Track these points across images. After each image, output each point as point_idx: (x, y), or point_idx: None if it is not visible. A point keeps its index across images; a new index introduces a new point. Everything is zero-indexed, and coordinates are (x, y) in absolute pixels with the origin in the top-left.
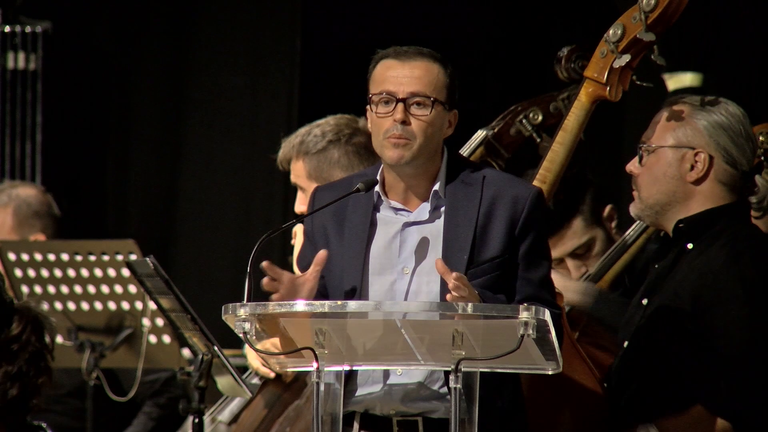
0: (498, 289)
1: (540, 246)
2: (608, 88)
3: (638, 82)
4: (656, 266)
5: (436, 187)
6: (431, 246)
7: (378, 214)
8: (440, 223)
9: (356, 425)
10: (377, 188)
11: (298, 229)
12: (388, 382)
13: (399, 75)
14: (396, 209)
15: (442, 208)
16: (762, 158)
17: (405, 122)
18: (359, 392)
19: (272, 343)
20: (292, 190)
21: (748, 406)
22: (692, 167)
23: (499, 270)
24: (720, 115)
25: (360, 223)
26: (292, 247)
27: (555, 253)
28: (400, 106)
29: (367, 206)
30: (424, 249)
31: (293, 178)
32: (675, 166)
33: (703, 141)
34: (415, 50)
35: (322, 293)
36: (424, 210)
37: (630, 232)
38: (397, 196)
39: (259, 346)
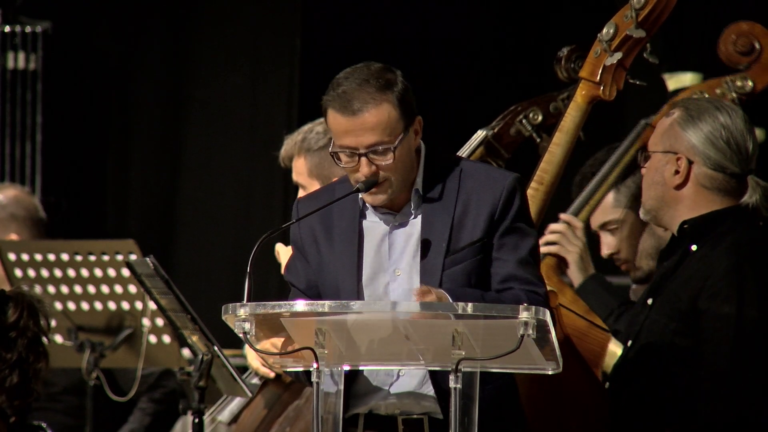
0: (480, 272)
1: (519, 228)
2: (602, 88)
3: (631, 81)
4: (662, 266)
5: (417, 185)
6: (418, 244)
7: (365, 220)
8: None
9: (360, 426)
10: (362, 194)
11: (280, 249)
12: (393, 382)
13: (352, 130)
14: (382, 212)
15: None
16: None
17: (373, 173)
18: (364, 394)
19: (272, 343)
20: (292, 190)
21: (725, 419)
22: (676, 172)
23: (480, 254)
24: (702, 120)
25: (349, 229)
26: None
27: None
28: (364, 160)
29: (354, 212)
30: (412, 248)
31: (295, 176)
32: (661, 171)
33: (683, 146)
34: (357, 93)
35: None
36: (408, 210)
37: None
38: None
39: (259, 346)
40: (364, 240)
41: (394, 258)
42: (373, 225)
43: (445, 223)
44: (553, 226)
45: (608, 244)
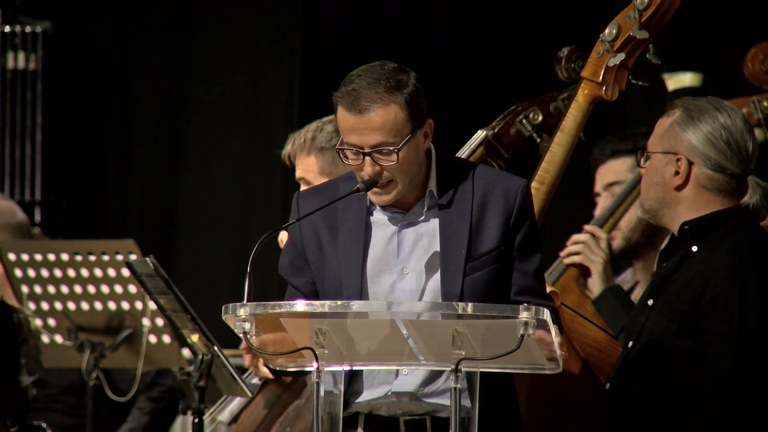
0: (498, 282)
1: (533, 237)
2: (604, 88)
3: (634, 81)
4: (662, 266)
5: (431, 187)
6: (429, 245)
7: (372, 217)
8: (436, 221)
9: (360, 427)
10: (369, 194)
11: (284, 237)
12: (395, 382)
13: (358, 128)
14: (390, 211)
15: (436, 207)
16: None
17: (377, 172)
18: (365, 394)
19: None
20: (292, 190)
21: (727, 421)
22: (676, 173)
23: (498, 262)
24: (702, 121)
25: (355, 226)
26: None
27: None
28: (368, 159)
29: (360, 209)
30: (422, 248)
31: (301, 173)
32: (661, 172)
33: (683, 147)
34: (366, 92)
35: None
36: (418, 209)
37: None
38: None
39: (258, 342)
40: (371, 236)
41: (401, 257)
42: (381, 222)
43: (463, 229)
44: (576, 237)
45: (603, 203)
